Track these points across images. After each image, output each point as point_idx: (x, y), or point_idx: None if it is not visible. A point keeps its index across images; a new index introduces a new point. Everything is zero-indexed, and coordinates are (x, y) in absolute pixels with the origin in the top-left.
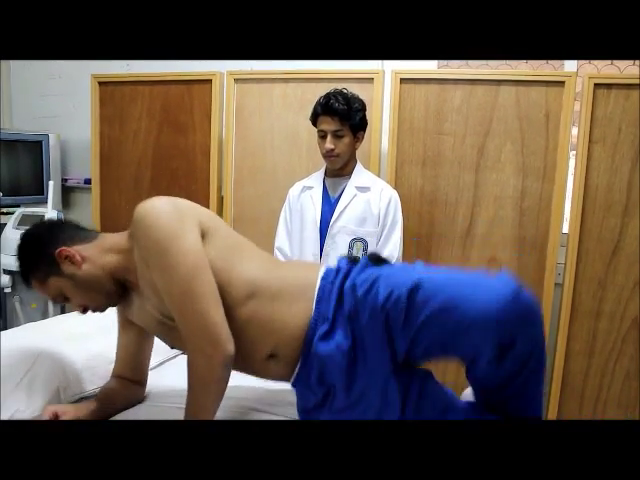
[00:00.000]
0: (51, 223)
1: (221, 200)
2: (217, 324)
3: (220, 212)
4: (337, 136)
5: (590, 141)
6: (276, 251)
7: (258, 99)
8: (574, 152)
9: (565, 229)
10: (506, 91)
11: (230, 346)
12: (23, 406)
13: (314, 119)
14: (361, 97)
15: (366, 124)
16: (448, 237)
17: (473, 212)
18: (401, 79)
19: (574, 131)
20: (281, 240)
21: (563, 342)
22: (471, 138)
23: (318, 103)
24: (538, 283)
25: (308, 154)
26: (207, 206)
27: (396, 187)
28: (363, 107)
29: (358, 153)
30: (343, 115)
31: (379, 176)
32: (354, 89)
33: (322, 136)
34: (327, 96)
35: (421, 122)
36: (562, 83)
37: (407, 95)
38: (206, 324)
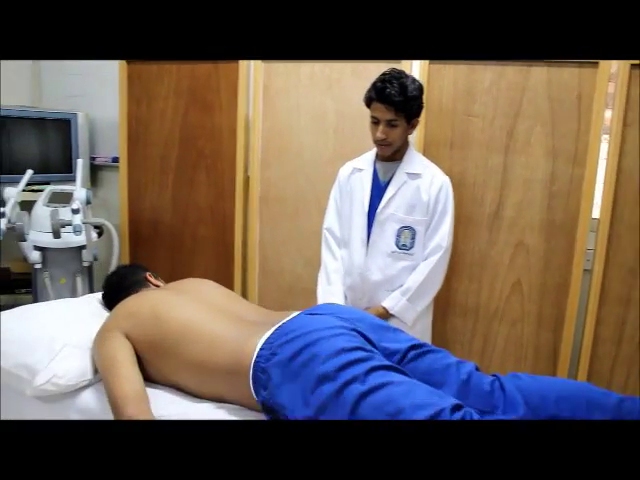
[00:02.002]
0: None
1: (247, 180)
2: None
3: (246, 192)
4: (391, 125)
5: (624, 124)
6: (325, 232)
7: (285, 78)
8: (606, 135)
9: (595, 214)
10: (537, 72)
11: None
12: (61, 373)
13: (368, 102)
14: None
15: (422, 109)
16: (475, 220)
17: (501, 195)
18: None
19: (607, 114)
20: (331, 220)
21: (591, 328)
22: (500, 120)
23: (373, 87)
24: (566, 268)
25: (335, 134)
26: (233, 187)
27: None
28: (420, 93)
29: None
30: (399, 106)
31: None
32: (382, 69)
33: (374, 122)
34: (383, 81)
35: (449, 103)
36: (596, 64)
37: (436, 76)
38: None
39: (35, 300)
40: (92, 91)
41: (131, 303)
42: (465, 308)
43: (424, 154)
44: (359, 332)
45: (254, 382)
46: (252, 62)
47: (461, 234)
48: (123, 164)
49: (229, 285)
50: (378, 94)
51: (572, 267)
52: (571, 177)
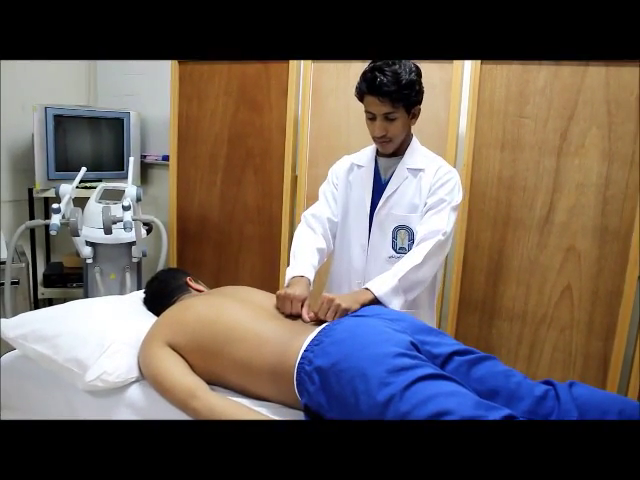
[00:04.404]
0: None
1: (295, 179)
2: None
3: (293, 191)
4: (389, 119)
5: None
6: (308, 218)
7: (335, 78)
8: None
9: None
10: (595, 72)
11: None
12: (110, 370)
13: (360, 96)
14: (440, 78)
15: (422, 95)
16: (525, 224)
17: (553, 199)
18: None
19: None
20: (320, 207)
21: None
22: (554, 122)
23: (363, 78)
24: (619, 275)
25: None
26: (281, 186)
27: (473, 171)
28: (418, 76)
29: (433, 132)
30: (394, 96)
31: (455, 159)
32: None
33: (370, 118)
34: (373, 70)
35: (501, 104)
36: None
37: (488, 76)
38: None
39: (86, 294)
40: (144, 90)
41: (174, 313)
42: (512, 313)
43: (474, 156)
44: (405, 336)
45: (298, 384)
46: (302, 62)
47: (510, 237)
48: (173, 162)
49: (275, 283)
50: (369, 86)
51: (626, 275)
52: (627, 181)
